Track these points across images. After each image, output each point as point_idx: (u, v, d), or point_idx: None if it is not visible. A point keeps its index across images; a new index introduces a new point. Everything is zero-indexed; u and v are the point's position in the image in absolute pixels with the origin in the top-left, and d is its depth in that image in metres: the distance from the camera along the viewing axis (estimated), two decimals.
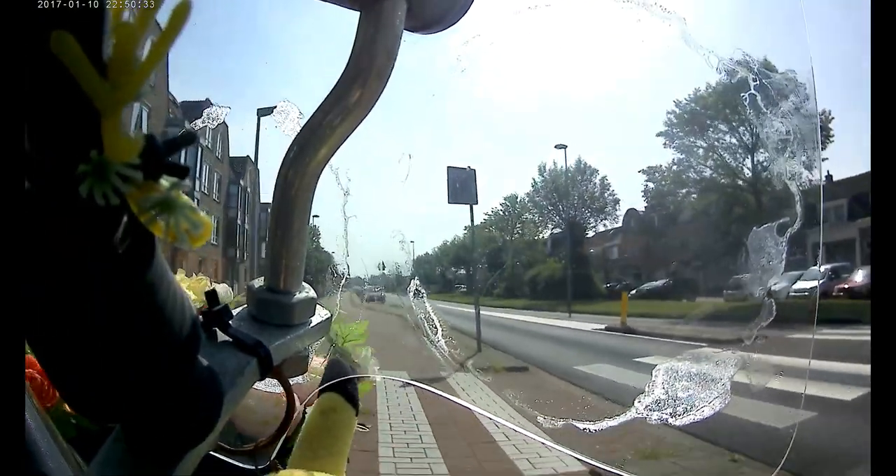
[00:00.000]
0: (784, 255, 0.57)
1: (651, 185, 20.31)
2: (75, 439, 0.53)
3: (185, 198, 0.21)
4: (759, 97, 0.56)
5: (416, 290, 0.80)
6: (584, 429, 0.63)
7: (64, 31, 0.18)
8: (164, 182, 0.21)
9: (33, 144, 0.21)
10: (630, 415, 0.61)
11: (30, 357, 0.28)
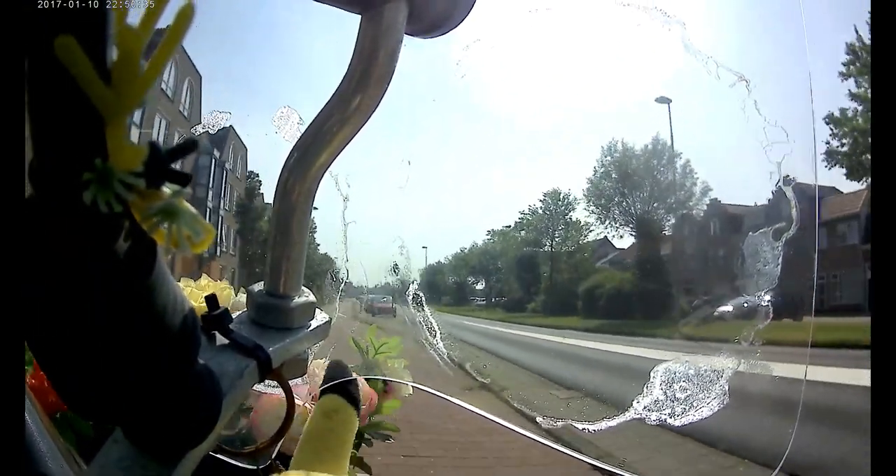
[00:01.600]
0: (780, 260, 0.57)
1: (836, 143, 11.68)
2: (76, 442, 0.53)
3: (187, 205, 0.21)
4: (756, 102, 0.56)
5: (415, 294, 0.78)
6: (584, 429, 0.63)
7: (68, 36, 0.18)
8: (166, 189, 0.21)
9: (35, 148, 0.21)
10: (629, 415, 0.62)
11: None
